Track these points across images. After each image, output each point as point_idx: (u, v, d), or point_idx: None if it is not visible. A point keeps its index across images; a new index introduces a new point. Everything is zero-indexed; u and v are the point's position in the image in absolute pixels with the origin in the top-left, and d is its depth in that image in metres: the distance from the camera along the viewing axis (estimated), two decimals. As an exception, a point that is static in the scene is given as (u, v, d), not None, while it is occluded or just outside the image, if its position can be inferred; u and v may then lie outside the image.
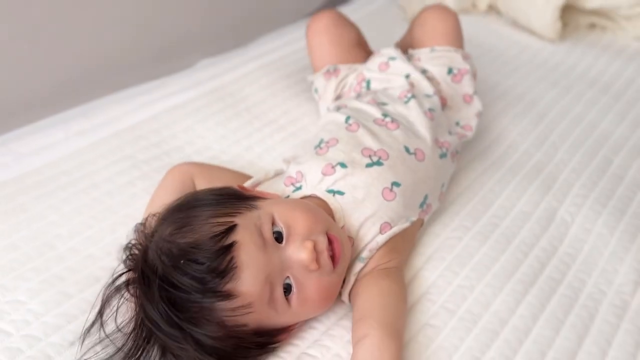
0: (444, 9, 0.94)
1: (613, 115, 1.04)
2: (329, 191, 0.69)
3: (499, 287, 0.69)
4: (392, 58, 0.88)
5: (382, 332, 0.57)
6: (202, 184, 0.73)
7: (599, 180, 0.88)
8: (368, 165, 0.70)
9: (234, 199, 0.62)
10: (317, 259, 0.58)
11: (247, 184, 0.73)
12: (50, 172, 0.80)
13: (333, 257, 0.60)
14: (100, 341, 0.58)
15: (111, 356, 0.56)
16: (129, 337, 0.57)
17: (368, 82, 0.88)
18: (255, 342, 0.58)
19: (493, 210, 0.81)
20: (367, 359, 0.56)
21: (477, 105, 0.88)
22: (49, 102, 0.95)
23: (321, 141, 0.75)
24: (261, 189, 0.73)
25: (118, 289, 0.60)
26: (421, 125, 0.77)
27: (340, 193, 0.68)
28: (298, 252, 0.58)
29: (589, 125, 1.00)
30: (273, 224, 0.59)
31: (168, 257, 0.56)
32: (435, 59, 0.89)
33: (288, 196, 0.70)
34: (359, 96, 0.86)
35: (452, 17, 0.93)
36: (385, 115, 0.77)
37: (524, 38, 1.26)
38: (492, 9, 1.35)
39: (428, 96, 0.83)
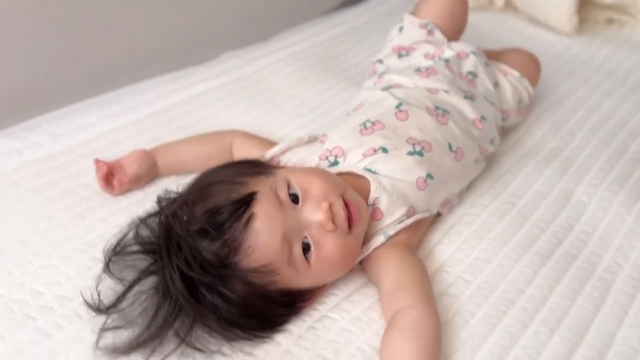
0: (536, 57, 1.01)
1: (630, 105, 1.05)
2: (366, 169, 0.70)
3: (516, 259, 0.71)
4: (474, 53, 0.89)
5: (429, 305, 0.60)
6: (239, 151, 0.79)
7: (615, 164, 0.89)
8: (409, 154, 0.71)
9: (251, 165, 0.65)
10: (333, 220, 0.60)
11: (277, 148, 0.75)
12: (82, 150, 0.84)
13: (350, 220, 0.62)
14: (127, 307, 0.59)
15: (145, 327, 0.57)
16: (159, 305, 0.58)
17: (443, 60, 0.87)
18: (281, 302, 0.60)
19: (511, 190, 0.82)
20: (417, 327, 0.57)
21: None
22: (81, 89, 1.00)
23: (367, 121, 0.74)
24: (293, 154, 0.75)
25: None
26: (472, 126, 0.79)
27: (377, 173, 0.70)
28: (314, 212, 0.60)
29: (605, 114, 1.01)
30: (289, 187, 0.62)
31: (190, 223, 0.58)
32: (518, 84, 0.93)
33: (317, 166, 0.72)
34: (426, 70, 0.84)
35: (540, 68, 1.01)
36: (437, 107, 0.77)
37: (541, 33, 1.28)
38: (509, 5, 1.36)
39: (487, 99, 0.85)
